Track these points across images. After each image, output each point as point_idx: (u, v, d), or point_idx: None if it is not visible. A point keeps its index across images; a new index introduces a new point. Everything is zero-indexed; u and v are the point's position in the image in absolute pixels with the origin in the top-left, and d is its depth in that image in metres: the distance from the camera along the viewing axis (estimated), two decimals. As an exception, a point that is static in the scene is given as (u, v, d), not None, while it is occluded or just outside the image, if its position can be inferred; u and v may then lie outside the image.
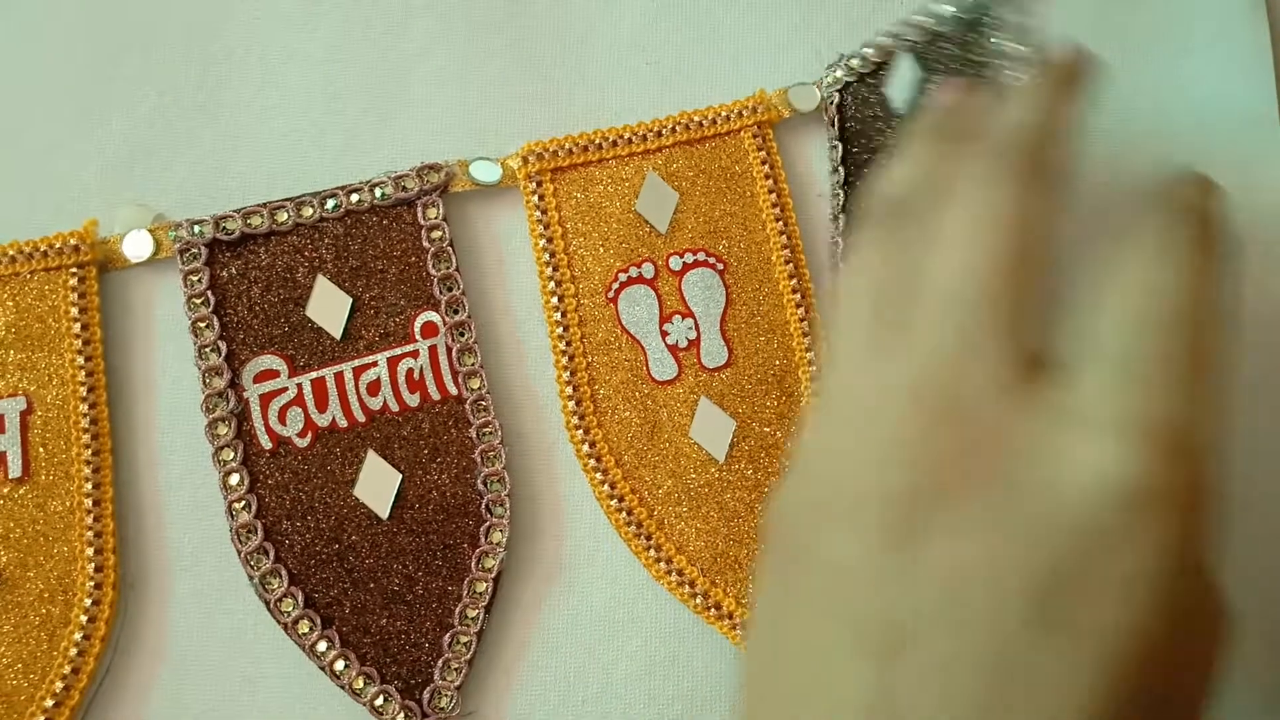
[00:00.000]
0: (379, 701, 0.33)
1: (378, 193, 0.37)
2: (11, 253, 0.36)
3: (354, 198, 0.37)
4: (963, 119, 0.26)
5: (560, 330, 0.36)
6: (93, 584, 0.34)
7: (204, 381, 0.35)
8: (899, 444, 0.21)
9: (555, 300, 0.36)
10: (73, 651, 0.34)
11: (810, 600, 0.22)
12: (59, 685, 0.33)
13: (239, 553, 0.34)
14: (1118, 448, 0.20)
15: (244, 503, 0.35)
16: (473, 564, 0.35)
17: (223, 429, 0.35)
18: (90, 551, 0.34)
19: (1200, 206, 0.23)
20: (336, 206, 0.36)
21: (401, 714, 0.33)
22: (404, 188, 0.37)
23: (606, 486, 0.35)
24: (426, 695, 0.34)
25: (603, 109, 0.38)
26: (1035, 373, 0.21)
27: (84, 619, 0.34)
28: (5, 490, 0.35)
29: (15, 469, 0.35)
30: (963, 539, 0.20)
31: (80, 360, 0.35)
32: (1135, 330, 0.21)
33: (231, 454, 0.35)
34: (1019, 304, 0.22)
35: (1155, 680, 0.20)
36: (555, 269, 0.36)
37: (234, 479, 0.35)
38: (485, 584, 0.34)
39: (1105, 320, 0.21)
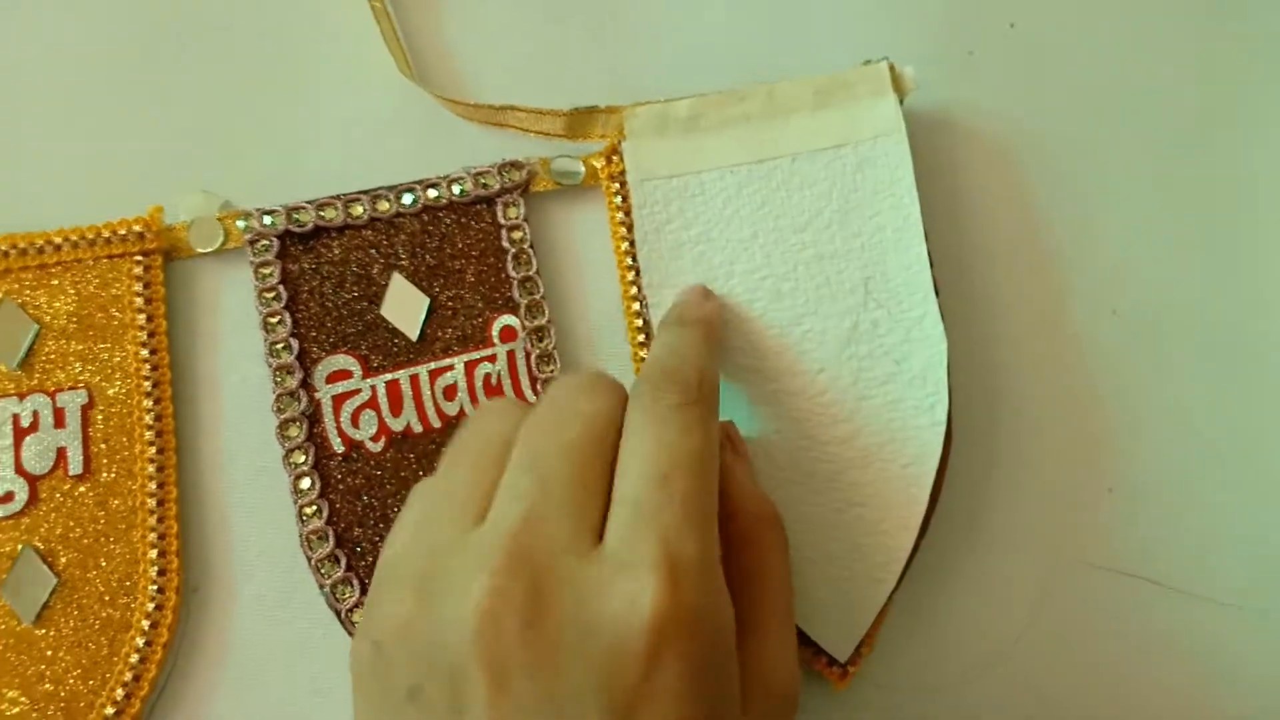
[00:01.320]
0: (452, 717, 0.32)
1: (456, 189, 0.35)
2: (74, 239, 0.34)
3: (431, 193, 0.35)
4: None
5: (642, 339, 0.35)
6: (155, 587, 0.33)
7: (275, 380, 0.34)
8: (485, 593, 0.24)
9: (637, 306, 0.35)
10: (134, 658, 0.32)
11: None
12: (120, 693, 0.32)
13: (309, 560, 0.33)
14: (641, 578, 0.24)
15: (315, 508, 0.33)
16: (549, 578, 0.33)
17: (294, 430, 0.34)
18: (154, 554, 0.33)
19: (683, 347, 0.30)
20: (414, 202, 0.35)
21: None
22: (484, 185, 0.35)
23: None
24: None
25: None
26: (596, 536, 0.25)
27: (146, 624, 0.33)
28: (65, 487, 0.33)
29: (76, 465, 0.33)
30: (545, 673, 0.23)
31: (144, 353, 0.34)
32: (642, 482, 0.26)
33: (303, 457, 0.34)
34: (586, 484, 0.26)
35: None
36: (638, 273, 0.35)
37: (305, 483, 0.33)
38: (562, 599, 0.33)
39: (624, 478, 0.26)
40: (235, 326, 0.35)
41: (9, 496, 0.33)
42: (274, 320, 0.34)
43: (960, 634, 0.34)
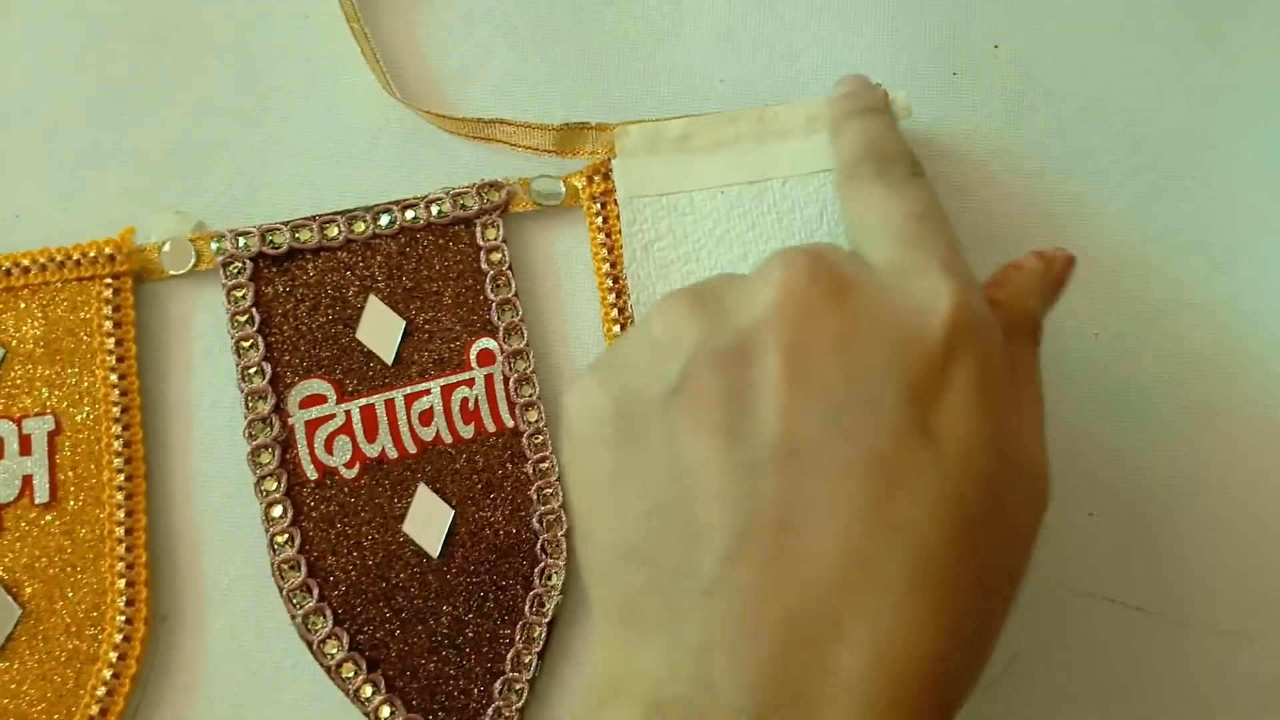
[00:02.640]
0: (426, 751, 0.32)
1: (434, 210, 0.35)
2: (42, 260, 0.34)
3: (409, 214, 0.35)
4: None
5: None
6: (124, 618, 0.32)
7: (247, 405, 0.33)
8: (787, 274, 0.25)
9: (618, 329, 0.35)
10: (101, 690, 0.32)
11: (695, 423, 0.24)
12: (86, 726, 0.31)
13: (280, 589, 0.32)
14: (934, 280, 0.25)
15: (287, 536, 0.33)
16: (527, 608, 0.33)
17: (266, 457, 0.33)
18: (122, 583, 0.32)
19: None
20: (391, 223, 0.34)
21: (449, 765, 0.32)
22: (462, 205, 0.35)
23: None
24: (476, 745, 0.32)
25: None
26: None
27: (114, 655, 0.32)
28: (31, 516, 0.33)
29: (42, 493, 0.33)
30: (844, 354, 0.23)
31: (113, 378, 0.33)
32: (897, 223, 0.27)
33: (275, 484, 0.33)
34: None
35: (993, 496, 0.23)
36: (619, 295, 0.35)
37: (277, 510, 0.33)
38: (540, 629, 0.33)
39: (879, 231, 0.27)
40: (207, 350, 0.34)
41: (-27, 525, 0.32)
42: (246, 344, 0.34)
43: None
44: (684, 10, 0.38)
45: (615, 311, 0.35)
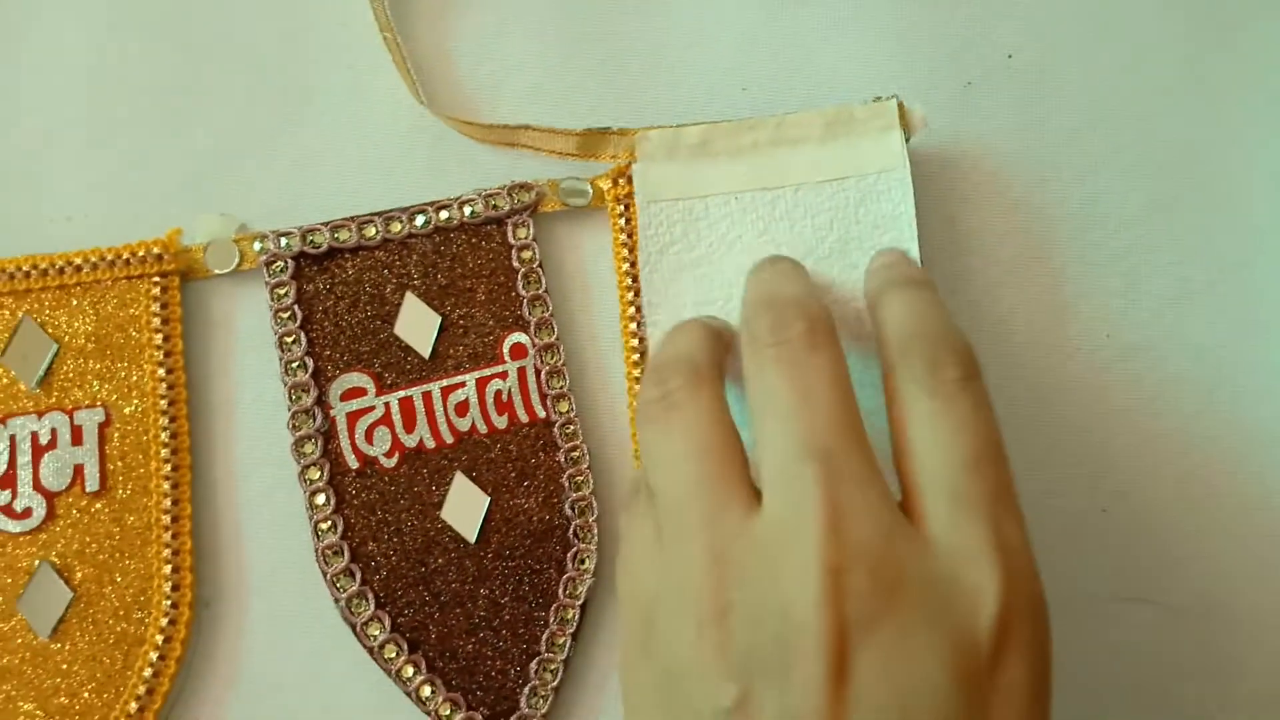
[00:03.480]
0: (464, 729, 0.33)
1: (467, 210, 0.36)
2: (93, 259, 0.35)
3: (443, 214, 0.36)
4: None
5: (636, 358, 0.36)
6: (169, 603, 0.33)
7: (290, 398, 0.34)
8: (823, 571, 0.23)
9: (634, 326, 0.36)
10: (147, 672, 0.33)
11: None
12: (133, 706, 0.32)
13: (324, 574, 0.34)
14: (983, 570, 0.23)
15: (330, 523, 0.34)
16: (560, 590, 0.34)
17: (309, 447, 0.34)
18: (168, 569, 0.33)
19: (950, 337, 0.27)
20: (426, 223, 0.36)
21: (487, 743, 0.33)
22: (494, 206, 0.36)
23: None
24: (512, 724, 0.33)
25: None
26: (899, 512, 0.25)
27: (159, 638, 0.33)
28: (82, 504, 0.34)
29: (93, 482, 0.34)
30: (893, 661, 0.22)
31: (161, 372, 0.35)
32: (951, 470, 0.25)
33: (318, 473, 0.34)
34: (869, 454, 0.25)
35: None
36: (637, 294, 0.36)
37: (320, 498, 0.34)
38: (573, 611, 0.34)
39: (928, 462, 0.25)
40: (250, 346, 0.36)
41: (27, 512, 0.33)
42: (289, 339, 0.35)
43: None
44: (707, 20, 0.39)
45: (633, 309, 0.36)
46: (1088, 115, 0.39)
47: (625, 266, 0.36)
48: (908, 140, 0.36)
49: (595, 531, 0.35)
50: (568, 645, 0.34)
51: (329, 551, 0.34)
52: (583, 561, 0.34)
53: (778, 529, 0.24)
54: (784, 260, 0.32)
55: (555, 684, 0.33)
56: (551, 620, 0.34)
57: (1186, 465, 0.36)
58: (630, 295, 0.36)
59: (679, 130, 0.36)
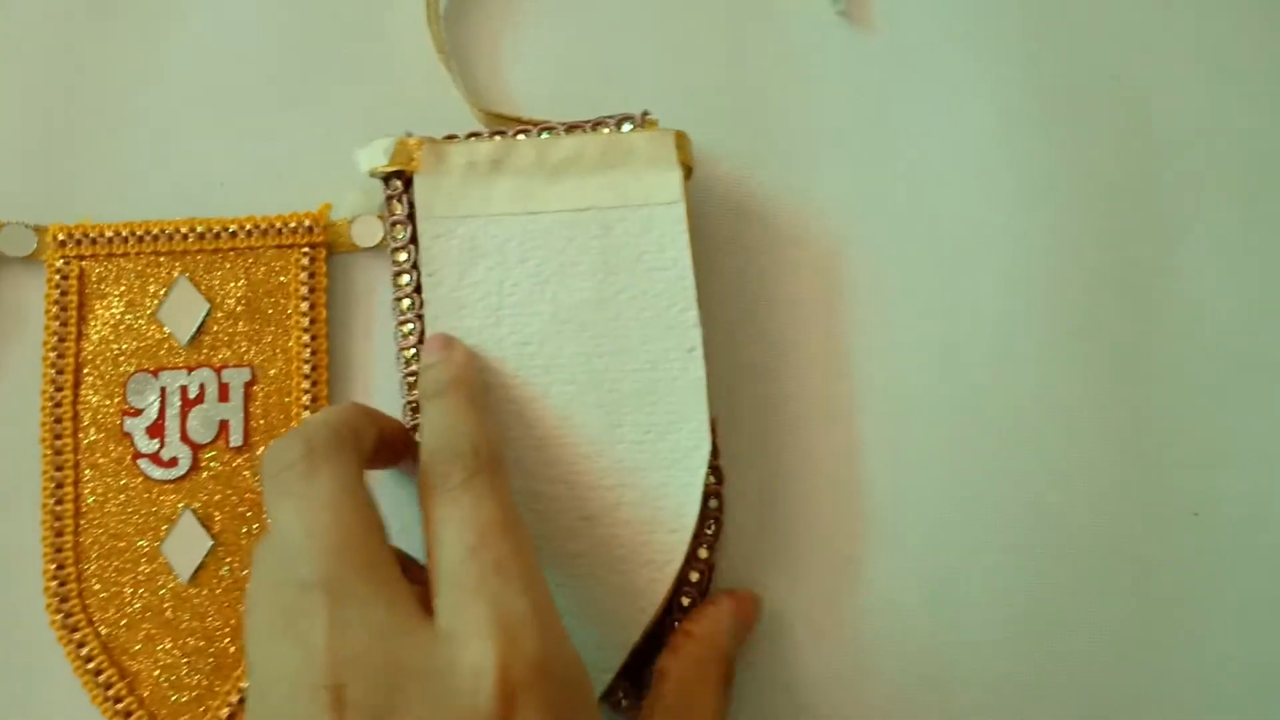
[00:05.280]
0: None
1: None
2: (249, 227, 0.37)
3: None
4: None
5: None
6: (301, 557, 0.35)
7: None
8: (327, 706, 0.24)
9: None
10: (278, 622, 0.34)
11: None
12: (263, 654, 0.34)
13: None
14: (479, 647, 0.25)
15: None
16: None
17: (441, 418, 0.36)
18: (302, 525, 0.35)
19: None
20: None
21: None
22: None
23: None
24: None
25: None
26: (413, 616, 0.26)
27: (291, 591, 0.34)
28: (225, 457, 0.35)
29: (236, 438, 0.35)
30: None
31: (305, 338, 0.36)
32: (453, 562, 0.26)
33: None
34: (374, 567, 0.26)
35: None
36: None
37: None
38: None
39: (438, 565, 0.27)
40: (388, 316, 0.37)
41: (173, 461, 0.35)
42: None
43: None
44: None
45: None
46: (1191, 134, 0.40)
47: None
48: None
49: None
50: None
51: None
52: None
53: (290, 662, 0.25)
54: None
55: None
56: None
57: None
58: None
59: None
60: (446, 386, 0.32)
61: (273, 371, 0.36)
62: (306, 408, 0.36)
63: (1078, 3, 0.41)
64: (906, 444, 0.37)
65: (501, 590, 0.26)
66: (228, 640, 0.34)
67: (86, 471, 0.35)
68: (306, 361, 0.36)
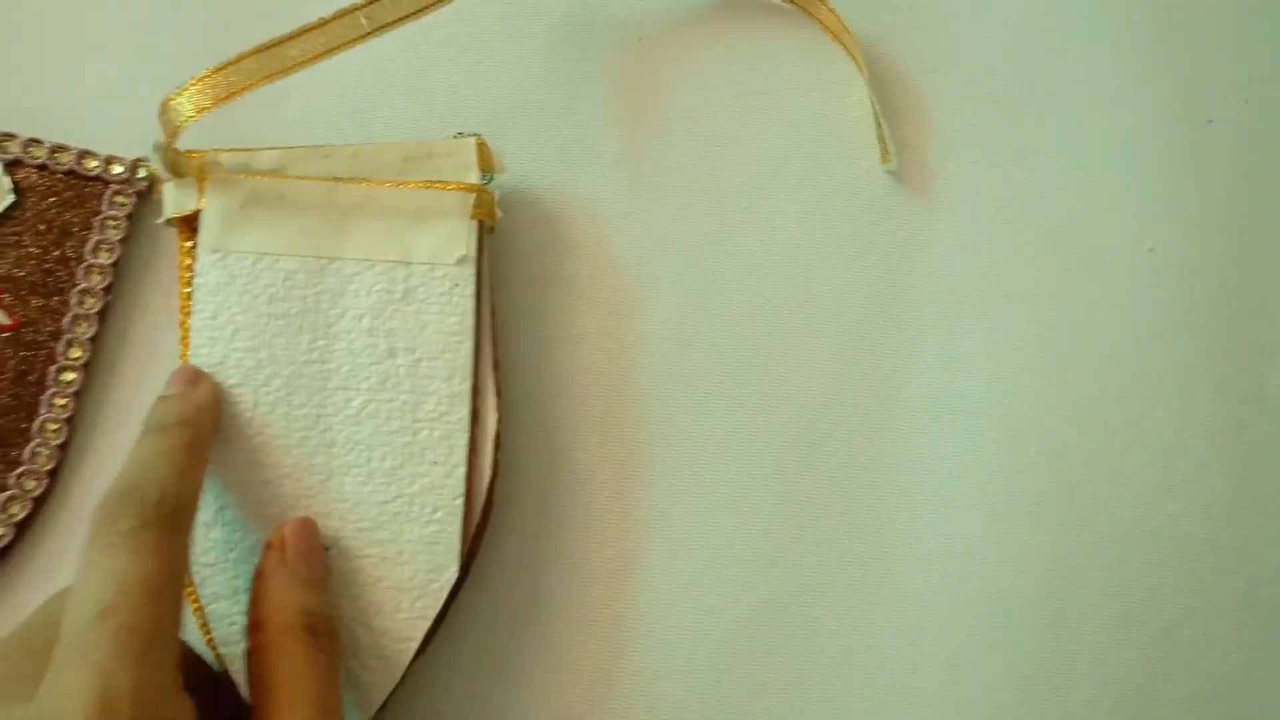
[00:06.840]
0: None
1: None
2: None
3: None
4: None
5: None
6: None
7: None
8: None
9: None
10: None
11: None
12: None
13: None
14: None
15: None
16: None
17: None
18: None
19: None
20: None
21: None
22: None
23: None
24: None
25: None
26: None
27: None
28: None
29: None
30: None
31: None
32: (79, 621, 0.25)
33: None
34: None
35: None
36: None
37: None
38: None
39: (67, 618, 0.25)
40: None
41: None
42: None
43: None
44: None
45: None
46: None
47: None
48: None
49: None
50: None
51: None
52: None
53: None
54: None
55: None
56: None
57: None
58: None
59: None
60: (172, 424, 0.31)
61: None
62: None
63: (1213, 26, 0.42)
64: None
65: (115, 661, 0.24)
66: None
67: None
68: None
